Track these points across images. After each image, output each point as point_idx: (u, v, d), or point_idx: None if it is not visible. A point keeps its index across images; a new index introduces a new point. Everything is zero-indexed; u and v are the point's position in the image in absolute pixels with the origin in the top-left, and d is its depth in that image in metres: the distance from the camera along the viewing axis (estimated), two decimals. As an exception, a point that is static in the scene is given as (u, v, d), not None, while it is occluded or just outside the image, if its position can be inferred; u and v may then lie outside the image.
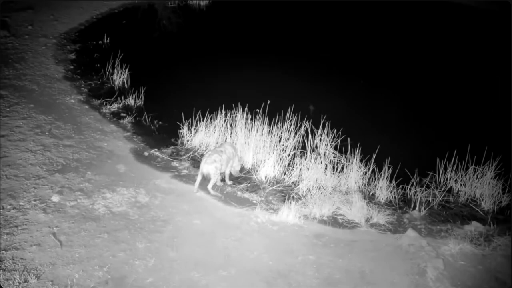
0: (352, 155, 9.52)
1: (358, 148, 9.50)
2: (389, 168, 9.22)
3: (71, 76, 12.31)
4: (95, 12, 16.25)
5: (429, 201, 9.05)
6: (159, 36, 15.83)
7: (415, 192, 9.15)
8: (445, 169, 9.49)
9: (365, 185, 9.33)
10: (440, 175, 9.48)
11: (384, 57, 14.95)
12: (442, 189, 9.28)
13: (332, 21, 17.64)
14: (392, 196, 9.14)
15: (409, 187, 9.22)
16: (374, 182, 9.31)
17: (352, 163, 9.43)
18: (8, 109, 10.42)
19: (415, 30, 17.01)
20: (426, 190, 9.22)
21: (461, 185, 9.38)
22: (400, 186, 9.24)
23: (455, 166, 9.46)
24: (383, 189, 9.16)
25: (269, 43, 15.30)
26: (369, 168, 9.40)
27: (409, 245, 7.76)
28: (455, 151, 9.50)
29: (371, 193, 9.24)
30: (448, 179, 9.48)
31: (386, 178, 9.19)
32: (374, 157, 9.44)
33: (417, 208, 8.89)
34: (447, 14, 18.58)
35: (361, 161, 9.46)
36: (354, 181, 9.29)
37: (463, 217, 8.83)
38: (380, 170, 9.28)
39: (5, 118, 10.09)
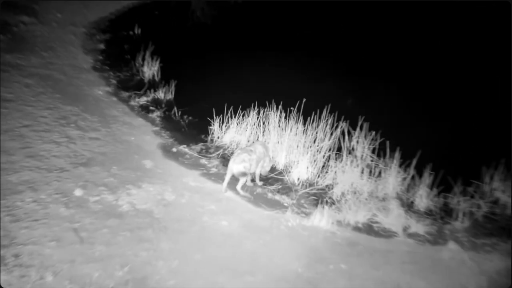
0: (391, 159, 9.35)
1: (397, 152, 9.31)
2: (430, 174, 9.01)
3: (100, 67, 12.39)
4: (127, 2, 16.33)
5: (473, 212, 8.80)
6: (192, 28, 15.84)
7: (458, 201, 8.90)
8: (492, 178, 9.24)
9: (403, 192, 9.14)
10: (486, 185, 9.21)
11: (426, 57, 14.75)
12: (488, 200, 9.03)
13: (371, 21, 17.52)
14: (433, 205, 8.92)
15: (451, 195, 8.99)
16: (413, 189, 9.12)
17: (390, 167, 9.25)
18: (33, 99, 10.44)
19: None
20: (470, 200, 8.96)
21: (508, 196, 9.11)
22: (442, 195, 9.01)
23: (503, 175, 9.21)
24: (423, 197, 8.94)
25: (308, 40, 15.22)
26: (408, 174, 9.20)
27: (450, 259, 7.56)
28: (503, 160, 9.24)
29: (410, 201, 9.04)
30: (495, 189, 9.21)
31: (427, 185, 8.99)
32: (414, 162, 9.21)
33: (459, 219, 8.65)
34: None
35: (400, 166, 9.27)
36: (392, 187, 9.11)
37: (510, 231, 8.53)
38: (420, 177, 9.07)
39: (29, 107, 10.12)
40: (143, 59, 12.49)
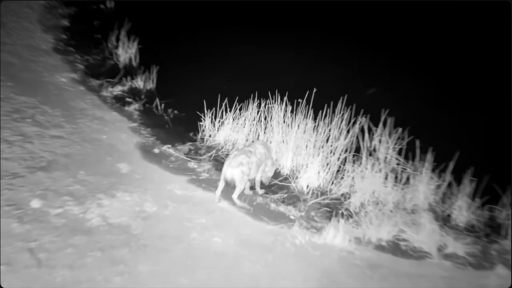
0: (422, 162, 9.32)
1: (430, 154, 9.27)
2: (471, 181, 8.96)
3: (63, 48, 12.40)
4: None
5: (527, 228, 8.76)
6: (178, 2, 15.81)
7: (507, 215, 8.86)
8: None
9: (438, 203, 9.10)
10: (543, 195, 9.17)
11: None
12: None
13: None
14: (475, 219, 8.87)
15: (498, 208, 8.94)
16: (450, 199, 9.07)
17: (421, 172, 9.22)
18: (-22, 88, 10.40)
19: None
20: (523, 213, 8.92)
21: None
22: (486, 206, 8.97)
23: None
24: (463, 209, 8.89)
25: (318, 14, 15.23)
26: (444, 180, 9.16)
27: (498, 287, 7.49)
28: None
29: (446, 214, 9.00)
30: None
31: (467, 194, 8.93)
32: (451, 166, 9.16)
33: (509, 236, 8.59)
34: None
35: (433, 170, 9.24)
36: (424, 196, 9.08)
37: None
38: (459, 184, 9.04)
39: (-27, 99, 10.07)
40: (118, 39, 12.52)
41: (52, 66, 11.62)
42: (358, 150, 9.82)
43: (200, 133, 10.23)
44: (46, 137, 9.35)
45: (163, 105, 10.93)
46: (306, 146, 9.69)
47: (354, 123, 9.97)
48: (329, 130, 9.90)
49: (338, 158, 9.59)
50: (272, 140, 9.82)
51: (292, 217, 8.57)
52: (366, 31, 14.99)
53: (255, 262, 7.49)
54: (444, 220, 8.87)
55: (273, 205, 8.79)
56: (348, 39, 14.17)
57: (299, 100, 10.04)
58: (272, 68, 12.25)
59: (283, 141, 9.81)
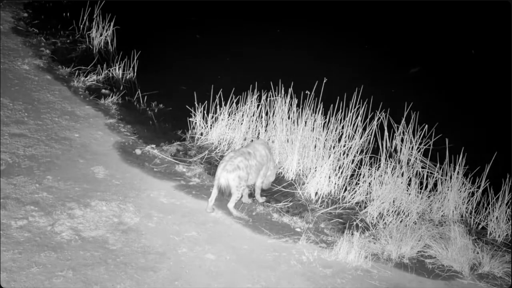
0: (452, 165, 9.30)
1: (461, 155, 9.25)
2: (511, 188, 8.95)
3: (25, 29, 12.37)
4: None
5: None
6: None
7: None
8: None
9: (471, 213, 9.11)
10: None
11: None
12: None
13: None
14: (516, 233, 8.91)
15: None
16: (486, 209, 9.05)
17: (451, 177, 9.20)
18: None
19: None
20: None
21: None
22: (529, 217, 8.97)
23: None
24: (501, 221, 8.88)
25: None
26: (478, 187, 9.17)
27: None
28: None
29: (480, 226, 9.01)
30: None
31: (507, 204, 8.90)
32: (487, 169, 9.19)
33: (558, 252, 8.62)
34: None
35: (466, 175, 9.24)
36: (454, 206, 9.10)
37: None
38: (496, 191, 9.02)
39: None
40: (91, 19, 12.49)
41: (12, 50, 11.58)
42: (376, 151, 9.89)
43: (189, 131, 10.26)
44: (5, 136, 9.33)
45: (145, 97, 10.95)
46: (315, 146, 9.72)
47: (372, 119, 10.01)
48: (342, 128, 9.92)
49: (353, 161, 9.62)
50: (274, 139, 9.83)
51: (298, 229, 8.58)
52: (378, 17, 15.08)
53: (255, 283, 7.46)
54: (478, 234, 8.87)
55: (275, 216, 8.79)
56: (366, 20, 14.18)
57: (306, 92, 10.06)
58: (274, 54, 12.22)
59: (288, 141, 9.80)
